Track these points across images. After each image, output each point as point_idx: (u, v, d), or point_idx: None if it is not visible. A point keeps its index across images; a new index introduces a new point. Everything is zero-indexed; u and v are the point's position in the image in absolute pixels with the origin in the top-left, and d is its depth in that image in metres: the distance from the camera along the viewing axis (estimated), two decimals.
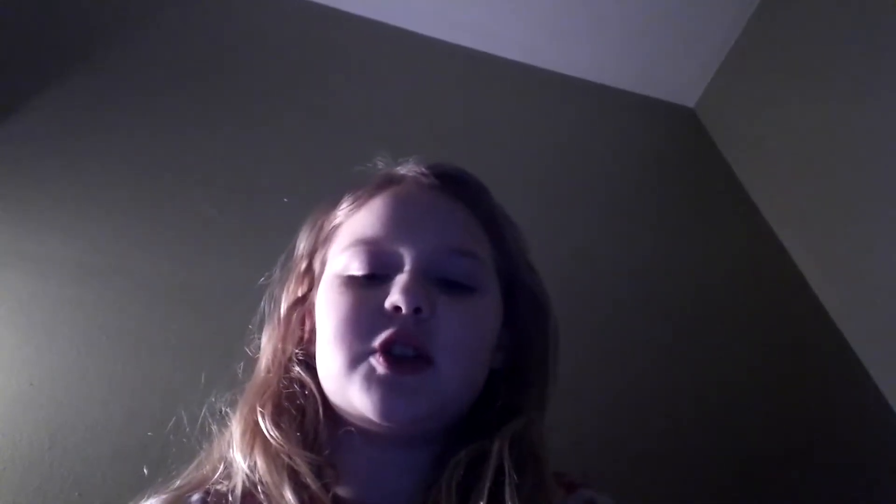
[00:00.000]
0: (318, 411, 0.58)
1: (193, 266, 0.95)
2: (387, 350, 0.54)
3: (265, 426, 0.56)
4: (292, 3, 1.40)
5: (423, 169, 0.66)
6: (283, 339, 0.64)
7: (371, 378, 0.53)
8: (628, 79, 1.61)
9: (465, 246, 0.61)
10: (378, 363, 0.53)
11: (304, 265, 0.67)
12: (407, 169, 0.67)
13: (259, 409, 0.57)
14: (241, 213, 1.02)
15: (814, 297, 1.27)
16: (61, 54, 1.11)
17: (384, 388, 0.53)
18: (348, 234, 0.62)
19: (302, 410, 0.58)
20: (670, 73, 1.62)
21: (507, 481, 0.51)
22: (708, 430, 1.03)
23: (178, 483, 0.59)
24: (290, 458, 0.53)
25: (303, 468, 0.52)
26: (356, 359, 0.54)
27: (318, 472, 0.53)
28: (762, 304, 1.24)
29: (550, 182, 1.32)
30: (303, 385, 0.60)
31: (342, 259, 0.60)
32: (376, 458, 0.57)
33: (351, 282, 0.59)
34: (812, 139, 1.34)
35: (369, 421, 0.54)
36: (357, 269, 0.59)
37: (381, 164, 0.71)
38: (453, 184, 0.66)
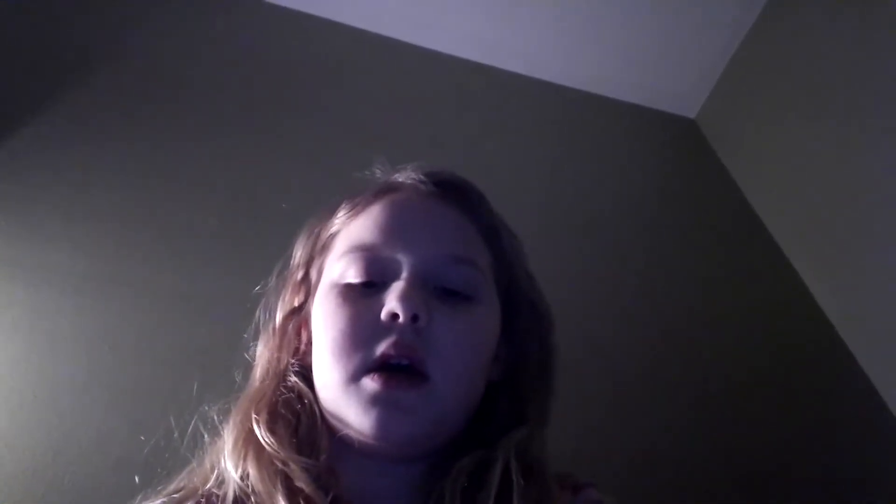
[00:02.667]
0: (315, 422, 0.57)
1: (195, 275, 0.95)
2: (383, 366, 0.53)
3: (260, 432, 0.54)
4: (294, 16, 1.41)
5: (422, 176, 0.66)
6: (279, 349, 0.63)
7: (367, 399, 0.52)
8: (629, 90, 1.61)
9: (463, 254, 0.61)
10: (373, 381, 0.52)
11: (300, 274, 0.66)
12: (405, 176, 0.67)
13: (254, 415, 0.56)
14: (242, 221, 1.03)
15: (816, 306, 1.26)
16: (58, 66, 1.12)
17: (380, 407, 0.52)
18: (345, 241, 0.62)
19: (298, 417, 0.57)
20: (671, 84, 1.62)
21: (514, 488, 0.50)
22: (711, 439, 1.03)
23: (169, 488, 0.58)
24: (283, 464, 0.51)
25: (297, 473, 0.50)
26: (354, 374, 0.53)
27: (315, 479, 0.51)
28: (765, 314, 1.24)
29: (551, 194, 1.32)
30: (300, 396, 0.59)
31: (339, 266, 0.60)
32: (373, 468, 0.56)
33: (348, 291, 0.58)
34: (814, 149, 1.34)
35: (366, 437, 0.53)
36: (353, 276, 0.58)
37: (379, 172, 0.71)
38: (452, 191, 0.65)
